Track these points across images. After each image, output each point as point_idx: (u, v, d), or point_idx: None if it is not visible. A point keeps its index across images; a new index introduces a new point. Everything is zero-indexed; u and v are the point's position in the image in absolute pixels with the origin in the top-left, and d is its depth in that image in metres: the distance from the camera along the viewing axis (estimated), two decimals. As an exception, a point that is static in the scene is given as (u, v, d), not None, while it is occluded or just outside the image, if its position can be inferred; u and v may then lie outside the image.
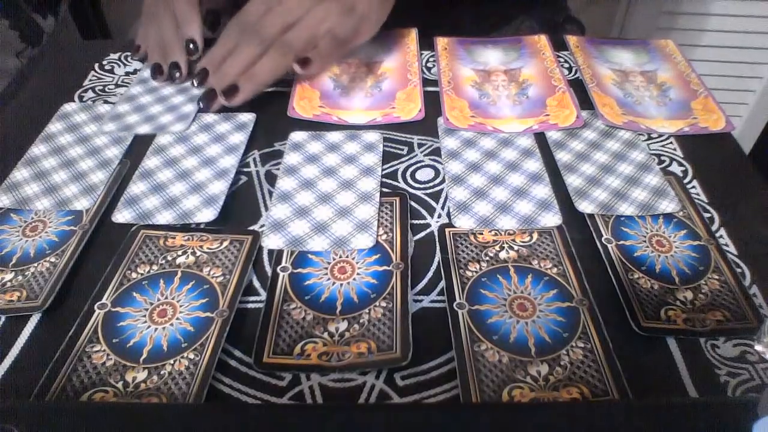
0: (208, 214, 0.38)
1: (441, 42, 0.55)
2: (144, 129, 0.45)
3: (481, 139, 0.44)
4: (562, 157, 0.42)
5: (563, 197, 0.39)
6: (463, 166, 0.42)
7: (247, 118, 0.46)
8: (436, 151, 0.43)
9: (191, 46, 0.48)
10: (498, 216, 0.38)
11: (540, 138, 0.45)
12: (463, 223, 0.37)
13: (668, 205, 0.38)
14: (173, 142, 0.44)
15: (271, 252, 0.36)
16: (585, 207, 0.38)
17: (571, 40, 0.55)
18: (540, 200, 0.39)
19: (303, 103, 0.47)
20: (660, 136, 0.45)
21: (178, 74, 0.48)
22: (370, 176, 0.41)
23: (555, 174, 0.41)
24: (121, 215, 0.38)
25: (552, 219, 0.38)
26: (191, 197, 0.39)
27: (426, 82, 0.51)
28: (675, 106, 0.47)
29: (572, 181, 0.40)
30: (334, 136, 0.45)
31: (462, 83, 0.50)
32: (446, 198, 0.39)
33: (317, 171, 0.42)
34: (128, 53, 0.54)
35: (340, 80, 0.50)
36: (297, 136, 0.45)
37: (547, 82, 0.50)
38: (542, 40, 0.55)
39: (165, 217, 0.38)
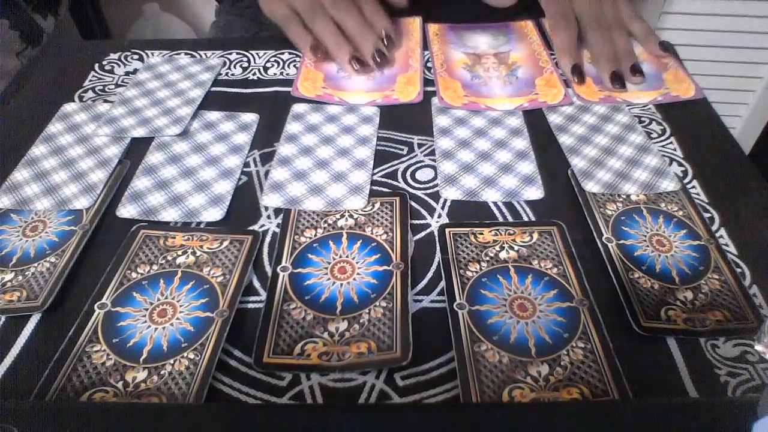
0: (214, 214, 0.38)
1: (432, 28, 0.58)
2: (139, 132, 0.45)
3: (473, 119, 0.46)
4: (565, 140, 0.44)
5: (549, 173, 0.41)
6: (454, 143, 0.44)
7: (251, 118, 0.47)
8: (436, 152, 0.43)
9: (384, 41, 0.49)
10: (484, 189, 0.40)
11: (534, 120, 0.46)
12: (450, 194, 0.39)
13: (668, 184, 0.40)
14: (176, 139, 0.44)
15: (271, 252, 0.36)
16: (591, 187, 0.39)
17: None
18: (524, 176, 0.41)
19: (307, 84, 0.49)
20: (649, 126, 0.45)
21: (383, 60, 0.49)
22: (365, 145, 0.43)
23: (541, 151, 0.43)
24: (126, 210, 0.38)
25: (535, 193, 0.39)
26: (197, 196, 0.39)
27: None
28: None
29: (577, 162, 0.42)
30: (333, 108, 0.47)
31: (454, 66, 0.52)
32: (445, 199, 0.39)
33: (316, 139, 0.44)
34: (128, 53, 0.54)
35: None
36: (299, 107, 0.47)
37: (534, 64, 0.52)
38: (528, 25, 0.58)
39: (170, 215, 0.38)
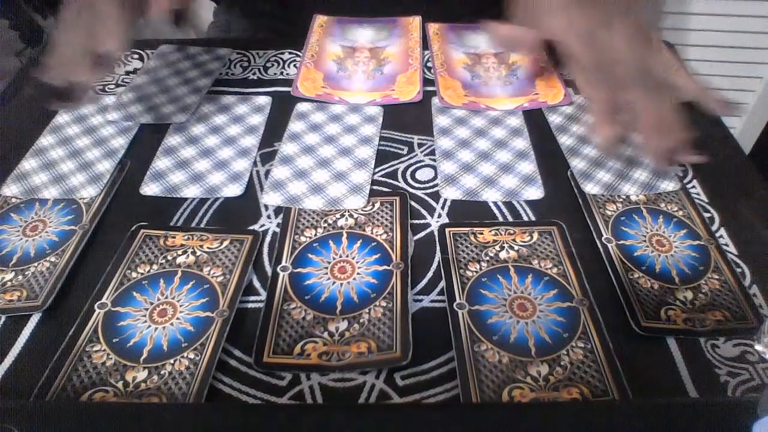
0: (234, 190, 0.40)
1: (432, 27, 0.58)
2: (146, 119, 0.46)
3: (473, 118, 0.46)
4: (565, 141, 0.44)
5: (548, 173, 0.41)
6: (454, 142, 0.44)
7: (264, 101, 0.48)
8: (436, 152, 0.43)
9: (104, 60, 0.41)
10: (483, 189, 0.40)
11: (534, 120, 0.46)
12: (450, 194, 0.39)
13: (668, 184, 0.40)
14: (194, 122, 0.46)
15: (271, 252, 0.36)
16: (591, 188, 0.39)
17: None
18: (524, 175, 0.41)
19: (307, 84, 0.49)
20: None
21: (80, 96, 0.41)
22: (367, 145, 0.43)
23: (541, 151, 0.43)
24: (149, 188, 0.40)
25: (535, 193, 0.39)
26: (216, 174, 0.41)
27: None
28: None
29: (576, 163, 0.42)
30: (337, 108, 0.47)
31: (454, 65, 0.52)
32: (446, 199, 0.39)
33: (318, 138, 0.44)
34: (128, 53, 0.54)
35: (343, 63, 0.52)
36: (303, 106, 0.47)
37: (535, 64, 0.52)
38: None
39: (192, 192, 0.39)
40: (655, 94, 0.38)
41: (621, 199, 0.39)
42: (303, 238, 0.36)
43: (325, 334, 0.31)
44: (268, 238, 0.37)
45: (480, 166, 0.42)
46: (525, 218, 0.38)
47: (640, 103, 0.38)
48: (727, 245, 0.36)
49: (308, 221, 0.37)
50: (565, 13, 0.41)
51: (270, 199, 0.39)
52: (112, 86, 0.50)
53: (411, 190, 0.40)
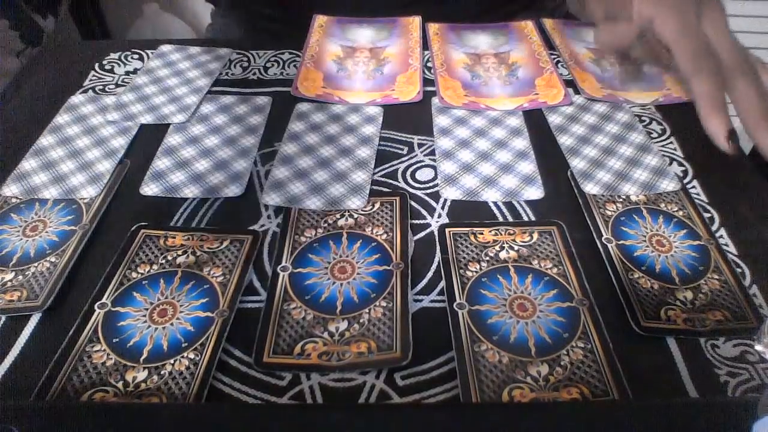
0: (234, 190, 0.40)
1: (432, 27, 0.58)
2: (146, 119, 0.46)
3: (473, 119, 0.46)
4: (565, 141, 0.44)
5: (548, 173, 0.41)
6: (454, 142, 0.44)
7: (264, 101, 0.48)
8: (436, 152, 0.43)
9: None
10: (483, 189, 0.40)
11: (534, 120, 0.46)
12: (450, 194, 0.39)
13: (668, 184, 0.40)
14: (194, 122, 0.46)
15: (271, 252, 0.36)
16: (591, 188, 0.39)
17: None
18: (524, 175, 0.41)
19: (307, 84, 0.49)
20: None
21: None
22: (367, 145, 0.43)
23: (541, 151, 0.43)
24: (149, 188, 0.40)
25: (535, 192, 0.39)
26: (216, 174, 0.41)
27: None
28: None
29: (576, 163, 0.42)
30: (337, 108, 0.47)
31: (454, 65, 0.52)
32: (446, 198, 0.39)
33: (318, 138, 0.44)
34: (128, 53, 0.54)
35: (343, 63, 0.52)
36: (303, 106, 0.47)
37: (535, 64, 0.52)
38: (529, 26, 0.58)
39: (192, 192, 0.39)
40: (756, 84, 0.37)
41: (621, 199, 0.39)
42: (303, 238, 0.36)
43: (325, 334, 0.31)
44: (268, 238, 0.37)
45: (480, 166, 0.42)
46: (525, 218, 0.38)
47: (743, 92, 0.37)
48: (727, 245, 0.36)
49: (308, 221, 0.37)
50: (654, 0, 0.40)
51: (270, 199, 0.39)
52: (112, 86, 0.50)
53: (411, 190, 0.40)
